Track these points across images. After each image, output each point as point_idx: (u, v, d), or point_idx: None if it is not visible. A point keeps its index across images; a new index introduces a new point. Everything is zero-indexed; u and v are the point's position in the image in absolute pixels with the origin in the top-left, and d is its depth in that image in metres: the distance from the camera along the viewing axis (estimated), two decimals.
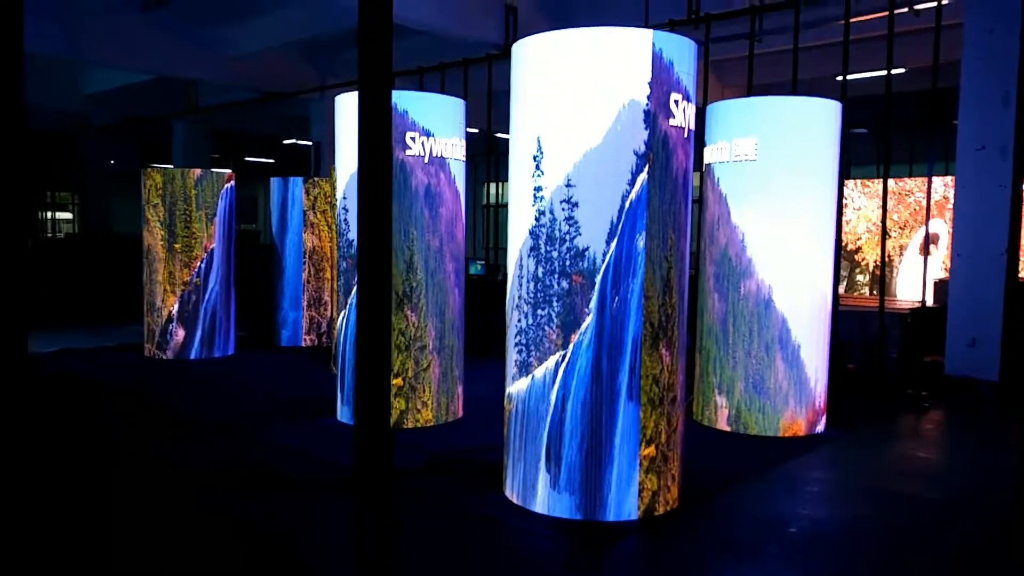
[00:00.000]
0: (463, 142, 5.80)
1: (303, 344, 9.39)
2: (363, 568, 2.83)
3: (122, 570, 3.38)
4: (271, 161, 24.50)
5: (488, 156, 10.86)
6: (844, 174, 11.78)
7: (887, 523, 4.05)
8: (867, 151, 14.50)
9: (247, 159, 24.77)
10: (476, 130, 13.95)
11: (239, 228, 23.59)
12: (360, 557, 2.83)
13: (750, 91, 8.18)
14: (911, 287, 10.45)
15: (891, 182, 10.89)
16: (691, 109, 4.00)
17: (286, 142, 22.00)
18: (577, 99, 3.81)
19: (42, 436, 5.31)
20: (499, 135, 11.08)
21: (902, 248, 11.31)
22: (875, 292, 10.21)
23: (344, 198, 5.79)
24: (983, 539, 3.89)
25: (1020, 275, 7.06)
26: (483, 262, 10.93)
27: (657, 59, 3.78)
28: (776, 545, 3.73)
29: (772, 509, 4.23)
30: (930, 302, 9.09)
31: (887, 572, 3.51)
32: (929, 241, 10.46)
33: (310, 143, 15.57)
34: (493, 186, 11.73)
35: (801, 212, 5.54)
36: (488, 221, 11.87)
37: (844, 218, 11.81)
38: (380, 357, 2.52)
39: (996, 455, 5.38)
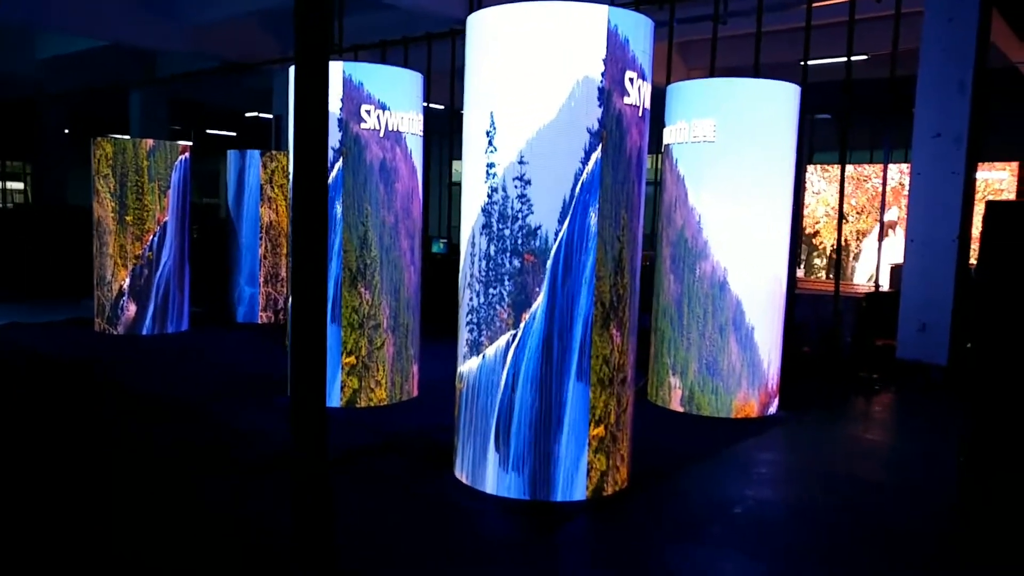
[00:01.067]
0: (420, 116, 5.70)
1: (259, 321, 9.25)
2: (301, 548, 2.78)
3: (73, 551, 3.29)
4: (233, 134, 24.06)
5: (452, 134, 10.73)
6: (807, 159, 11.86)
7: (833, 504, 4.10)
8: (832, 136, 14.65)
9: (209, 131, 24.29)
10: (442, 106, 13.82)
11: (201, 201, 23.16)
12: (298, 537, 2.78)
13: (713, 73, 8.17)
14: (870, 271, 10.59)
15: (850, 168, 10.99)
16: (646, 88, 3.96)
17: (248, 115, 21.59)
18: (531, 74, 3.75)
19: None
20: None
21: (860, 233, 11.46)
22: (832, 276, 10.30)
23: None
24: (924, 521, 3.95)
25: (970, 262, 7.17)
26: (445, 240, 10.85)
27: (612, 36, 3.73)
28: (721, 526, 3.75)
29: (721, 490, 4.26)
30: (887, 287, 9.23)
31: (830, 553, 3.55)
32: (884, 226, 10.60)
33: (271, 116, 15.27)
34: (458, 164, 11.63)
35: (758, 195, 5.54)
36: (452, 199, 11.78)
37: (803, 202, 11.92)
38: (315, 339, 2.45)
39: (942, 438, 5.48)
